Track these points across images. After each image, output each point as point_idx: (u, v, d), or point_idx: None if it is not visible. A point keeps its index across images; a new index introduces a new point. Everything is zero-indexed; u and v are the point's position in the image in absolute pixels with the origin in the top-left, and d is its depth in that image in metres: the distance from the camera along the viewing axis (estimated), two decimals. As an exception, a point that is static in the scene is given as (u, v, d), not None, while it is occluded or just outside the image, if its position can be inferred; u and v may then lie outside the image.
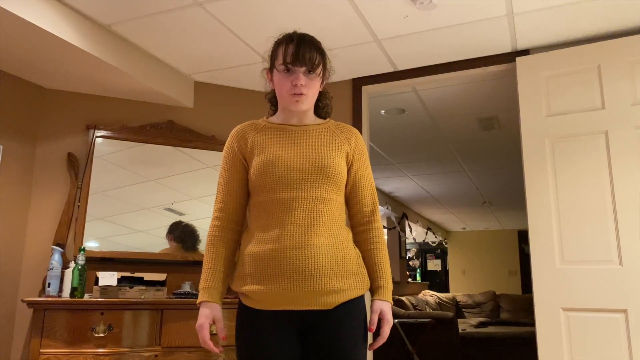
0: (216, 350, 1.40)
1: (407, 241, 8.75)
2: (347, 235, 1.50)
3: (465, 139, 4.70)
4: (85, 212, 2.95)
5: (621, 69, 2.62)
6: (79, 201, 2.97)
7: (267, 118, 1.58)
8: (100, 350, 2.47)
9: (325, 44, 2.88)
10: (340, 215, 1.50)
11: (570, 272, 2.57)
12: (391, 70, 3.22)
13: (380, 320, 1.45)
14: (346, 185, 1.55)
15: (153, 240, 3.07)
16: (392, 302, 1.48)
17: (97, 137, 3.07)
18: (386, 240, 1.58)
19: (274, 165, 1.43)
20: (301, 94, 1.45)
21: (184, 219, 3.17)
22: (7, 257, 2.84)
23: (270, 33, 2.74)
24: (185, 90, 3.32)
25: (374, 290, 1.50)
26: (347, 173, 1.54)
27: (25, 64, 2.78)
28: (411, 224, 8.58)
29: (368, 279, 1.50)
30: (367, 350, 1.49)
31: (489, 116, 4.08)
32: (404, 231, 7.87)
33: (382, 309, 1.46)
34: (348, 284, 1.42)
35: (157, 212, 3.13)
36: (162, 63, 3.10)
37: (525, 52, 2.92)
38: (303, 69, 1.45)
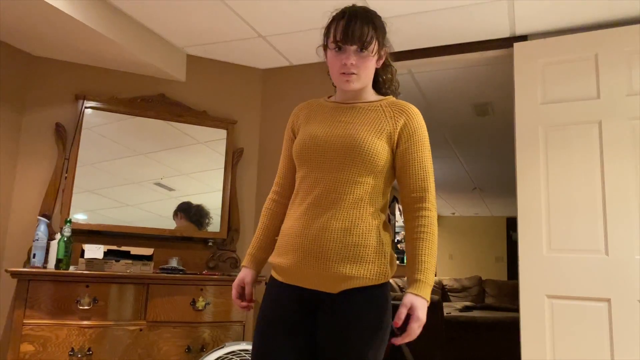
0: (241, 305, 1.54)
1: (397, 224, 8.79)
2: (373, 221, 1.40)
3: (458, 123, 4.68)
4: (73, 183, 2.92)
5: (618, 58, 2.60)
6: (67, 172, 2.93)
7: (329, 97, 1.56)
8: (85, 322, 2.46)
9: (322, 21, 2.82)
10: (372, 199, 1.41)
11: (556, 260, 2.58)
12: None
13: (409, 316, 1.33)
14: (395, 168, 1.46)
15: (142, 214, 3.05)
16: (429, 300, 1.36)
17: (86, 107, 3.02)
18: (437, 231, 1.41)
19: (306, 143, 1.44)
20: (352, 74, 1.40)
21: (174, 195, 3.15)
22: (-8, 226, 2.80)
23: (264, 7, 2.68)
24: (178, 63, 3.25)
25: (409, 283, 1.38)
26: (395, 155, 1.44)
27: (14, 30, 2.71)
28: (401, 207, 8.59)
29: (389, 270, 1.40)
30: (382, 343, 1.37)
31: (483, 102, 4.05)
32: (394, 214, 7.90)
33: (413, 304, 1.31)
34: (357, 271, 1.34)
35: (146, 186, 3.09)
36: (154, 35, 3.03)
37: (523, 37, 2.89)
38: (354, 47, 1.39)
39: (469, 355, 5.15)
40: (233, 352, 2.42)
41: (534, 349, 2.56)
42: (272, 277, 1.49)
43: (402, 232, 11.82)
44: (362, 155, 1.39)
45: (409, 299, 1.32)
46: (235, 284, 1.54)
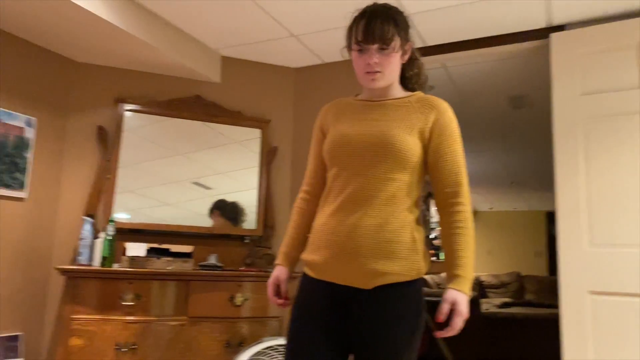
0: (277, 302, 1.56)
1: (432, 220, 8.69)
2: (406, 217, 1.40)
3: (494, 117, 4.60)
4: (115, 184, 3.02)
5: (662, 46, 2.51)
6: (109, 173, 3.04)
7: (356, 95, 1.58)
8: (129, 317, 2.55)
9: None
10: (405, 196, 1.41)
11: (598, 255, 2.52)
12: (420, 45, 3.16)
13: (452, 312, 1.34)
14: (427, 164, 1.46)
15: (182, 212, 3.13)
16: (470, 295, 1.37)
17: (125, 110, 3.12)
18: (473, 226, 1.43)
19: (337, 142, 1.46)
20: (376, 72, 1.42)
21: (211, 193, 3.22)
22: (42, 227, 2.94)
23: (296, 6, 2.71)
24: (213, 65, 3.32)
25: (449, 278, 1.38)
26: (427, 151, 1.44)
27: (57, 37, 2.82)
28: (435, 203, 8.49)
29: (422, 266, 1.40)
30: (415, 338, 1.37)
31: (519, 94, 3.97)
32: (429, 210, 7.82)
33: (455, 299, 1.33)
34: (391, 267, 1.35)
35: (185, 185, 3.18)
36: (189, 37, 3.11)
37: (560, 27, 2.82)
38: (375, 46, 1.40)
39: (508, 353, 5.07)
40: (271, 347, 2.47)
41: (575, 347, 2.51)
42: (304, 274, 1.52)
43: (438, 228, 11.69)
44: (393, 152, 1.39)
45: (451, 294, 1.34)
46: (270, 282, 1.57)
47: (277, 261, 1.60)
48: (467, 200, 1.42)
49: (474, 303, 4.89)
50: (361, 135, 1.43)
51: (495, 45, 2.99)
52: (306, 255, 1.50)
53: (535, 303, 6.59)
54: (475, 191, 8.70)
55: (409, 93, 1.51)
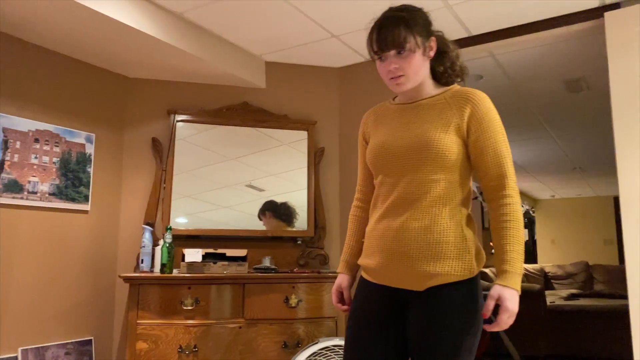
0: (342, 308, 1.61)
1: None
2: (454, 216, 1.39)
3: (550, 102, 4.41)
4: (171, 192, 3.14)
5: None
6: (165, 182, 3.16)
7: (394, 98, 1.59)
8: (190, 321, 2.65)
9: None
10: (451, 195, 1.40)
11: (668, 244, 2.37)
12: (465, 35, 3.07)
13: (497, 307, 1.31)
14: (470, 159, 1.44)
15: (236, 215, 3.22)
16: (519, 290, 1.33)
17: (177, 121, 3.23)
18: (521, 217, 1.39)
19: (377, 149, 1.49)
20: (399, 76, 1.42)
21: (264, 195, 3.28)
22: (105, 236, 3.10)
23: (334, 7, 2.71)
24: (257, 71, 3.38)
25: (497, 274, 1.36)
26: (468, 145, 1.42)
27: (109, 55, 2.97)
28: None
29: (474, 264, 1.38)
30: (472, 335, 1.35)
31: (575, 77, 3.79)
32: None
33: (501, 295, 1.30)
34: (441, 268, 1.35)
35: (238, 188, 3.26)
36: (233, 46, 3.18)
37: (614, 5, 2.66)
38: (392, 52, 1.40)
39: (577, 346, 4.85)
40: (327, 347, 2.49)
41: (647, 341, 2.37)
42: (361, 277, 1.56)
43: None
44: (432, 153, 1.38)
45: (496, 290, 1.32)
46: (334, 289, 1.64)
47: (339, 269, 1.66)
48: (513, 191, 1.38)
49: (537, 296, 4.71)
50: (399, 140, 1.44)
51: (544, 30, 2.87)
52: (362, 260, 1.55)
53: (606, 294, 6.27)
54: (535, 179, 8.37)
55: (444, 88, 1.49)
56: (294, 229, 3.29)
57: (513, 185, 1.39)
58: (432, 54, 1.46)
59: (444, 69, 1.51)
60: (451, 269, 1.35)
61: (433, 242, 1.37)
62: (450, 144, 1.39)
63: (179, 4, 2.69)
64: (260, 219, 3.28)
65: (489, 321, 1.37)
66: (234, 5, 2.69)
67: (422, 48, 1.42)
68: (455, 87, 1.49)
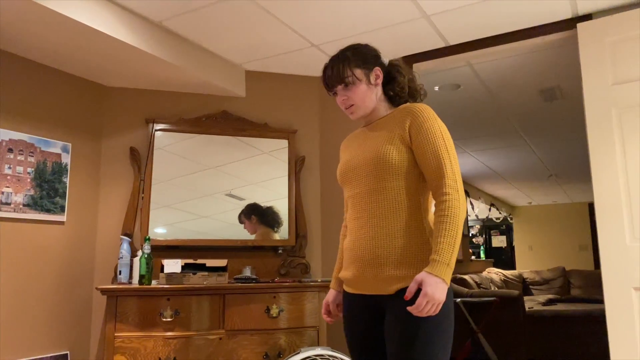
0: (327, 319, 1.75)
1: (470, 218, 8.55)
2: (415, 221, 1.49)
3: (526, 111, 4.49)
4: (149, 202, 3.10)
5: (697, 28, 2.40)
6: (143, 192, 3.12)
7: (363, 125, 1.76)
8: (169, 333, 2.61)
9: (373, 23, 2.82)
10: (412, 202, 1.50)
11: (642, 249, 2.42)
12: (443, 45, 3.12)
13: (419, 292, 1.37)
14: (418, 164, 1.53)
15: (216, 224, 3.19)
16: (445, 279, 1.37)
17: (156, 130, 3.20)
18: (460, 211, 1.46)
19: (342, 168, 1.66)
20: (351, 106, 1.62)
21: (244, 204, 3.26)
22: (82, 248, 3.04)
23: (314, 17, 2.72)
24: (237, 79, 3.37)
25: (428, 263, 1.43)
26: (412, 153, 1.53)
27: (85, 64, 2.93)
28: (473, 201, 8.36)
29: None
30: (443, 334, 1.41)
31: (550, 86, 3.87)
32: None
33: (423, 280, 1.35)
34: (408, 270, 1.45)
35: (218, 198, 3.23)
36: (213, 55, 3.17)
37: (587, 17, 2.73)
38: (339, 87, 1.60)
39: (556, 351, 4.92)
40: (309, 357, 2.47)
41: (623, 345, 2.41)
42: (343, 290, 1.70)
43: (477, 226, 11.48)
44: (382, 163, 1.51)
45: (420, 275, 1.38)
46: (323, 302, 1.78)
47: (330, 285, 1.79)
48: (451, 190, 1.45)
49: (515, 301, 4.77)
50: (357, 158, 1.61)
51: (520, 40, 2.92)
52: (341, 273, 1.66)
53: (583, 299, 6.39)
54: (512, 187, 8.50)
55: (395, 108, 1.65)
56: (276, 238, 3.27)
57: (451, 184, 1.46)
58: (379, 81, 1.63)
59: (394, 93, 1.66)
60: (418, 270, 1.44)
61: (399, 247, 1.47)
62: (396, 152, 1.51)
63: (157, 13, 2.68)
64: (241, 222, 3.24)
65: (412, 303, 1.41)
66: (214, 14, 2.68)
67: (365, 78, 1.60)
68: (406, 104, 1.62)
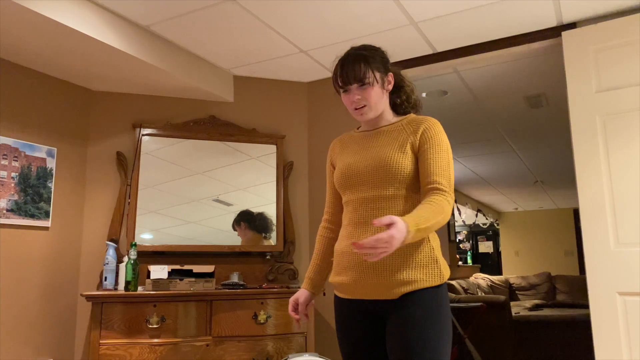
0: (295, 317, 1.71)
1: (457, 224, 8.59)
2: None
3: (512, 118, 4.54)
4: (136, 208, 3.07)
5: (678, 37, 2.44)
6: (129, 197, 3.09)
7: (358, 127, 1.74)
8: (155, 340, 2.58)
9: (361, 30, 2.83)
10: (412, 208, 1.50)
11: (626, 255, 2.45)
12: (430, 52, 3.14)
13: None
14: (418, 168, 1.55)
15: (204, 230, 3.17)
16: (409, 236, 1.30)
17: (143, 135, 3.18)
18: (445, 212, 1.45)
19: (344, 170, 1.62)
20: (362, 107, 1.58)
21: (232, 209, 3.25)
22: (67, 254, 3.00)
23: (303, 23, 2.73)
24: (225, 85, 3.36)
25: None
26: (418, 162, 1.54)
27: (72, 68, 2.90)
28: (460, 207, 8.41)
29: (442, 272, 1.50)
30: (445, 336, 1.46)
31: (536, 94, 3.92)
32: (453, 214, 7.74)
33: (396, 222, 1.27)
34: (414, 275, 1.47)
35: (206, 203, 3.21)
36: (201, 60, 3.16)
37: (571, 25, 2.78)
38: (354, 85, 1.56)
39: (542, 356, 4.95)
40: (296, 363, 2.46)
41: (608, 349, 2.44)
42: (335, 296, 1.66)
43: (464, 231, 11.55)
44: (391, 171, 1.52)
45: (396, 219, 1.28)
46: (291, 299, 1.74)
47: (302, 285, 1.76)
48: (447, 189, 1.47)
49: (502, 306, 4.79)
50: (362, 162, 1.59)
51: (506, 47, 2.96)
52: (333, 278, 1.63)
53: (568, 304, 6.44)
54: (498, 192, 8.57)
55: (401, 117, 1.66)
56: (266, 243, 3.26)
57: (448, 187, 1.48)
58: (390, 87, 1.64)
59: (401, 101, 1.68)
60: (424, 275, 1.47)
61: (404, 254, 1.48)
62: (405, 163, 1.53)
63: (145, 17, 2.66)
64: (235, 230, 3.24)
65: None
66: (202, 19, 2.67)
67: (380, 82, 1.58)
68: (412, 115, 1.66)
